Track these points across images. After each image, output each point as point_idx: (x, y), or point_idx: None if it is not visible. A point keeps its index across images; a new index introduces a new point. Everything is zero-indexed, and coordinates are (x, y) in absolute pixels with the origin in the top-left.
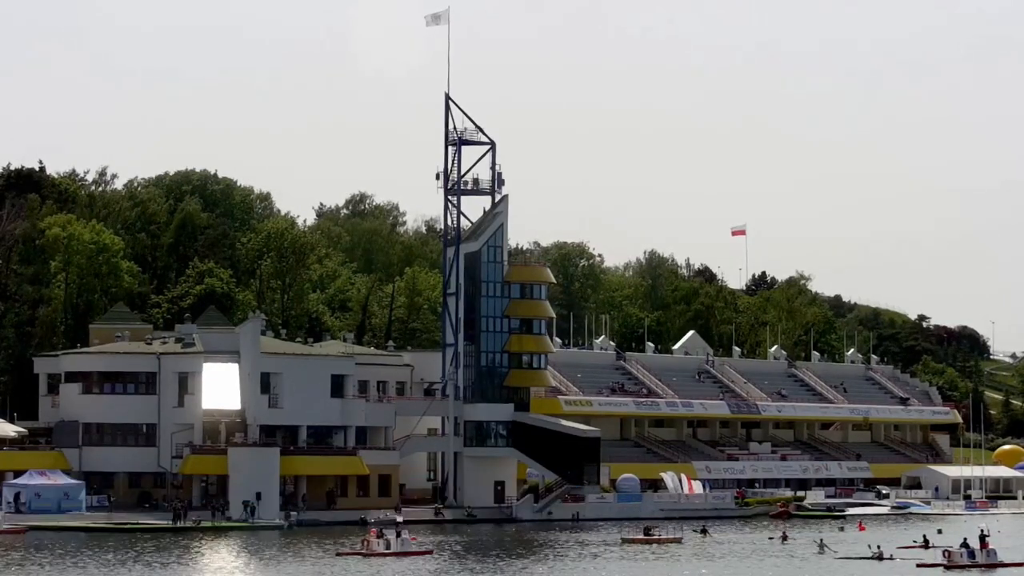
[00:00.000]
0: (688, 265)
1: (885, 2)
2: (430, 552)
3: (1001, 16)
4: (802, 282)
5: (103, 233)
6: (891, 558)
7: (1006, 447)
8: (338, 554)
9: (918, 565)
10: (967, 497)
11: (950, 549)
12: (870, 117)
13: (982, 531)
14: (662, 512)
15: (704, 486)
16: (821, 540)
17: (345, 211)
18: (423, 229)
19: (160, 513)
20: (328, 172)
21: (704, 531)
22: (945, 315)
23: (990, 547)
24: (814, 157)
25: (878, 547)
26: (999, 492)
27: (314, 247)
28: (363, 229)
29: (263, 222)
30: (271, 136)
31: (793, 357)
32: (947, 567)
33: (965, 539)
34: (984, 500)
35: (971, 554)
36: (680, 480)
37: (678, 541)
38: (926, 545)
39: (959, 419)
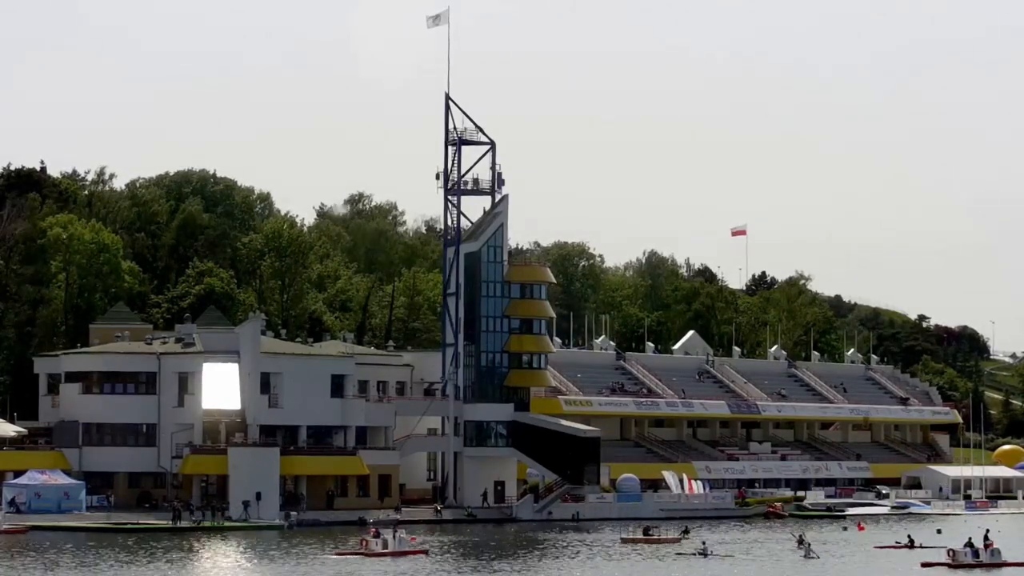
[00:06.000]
0: (688, 265)
1: (886, 12)
2: (426, 552)
3: (1000, 27)
4: (802, 282)
5: (103, 233)
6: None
7: (1006, 447)
8: (337, 553)
9: (922, 564)
10: (967, 497)
11: (954, 549)
12: (870, 118)
13: (987, 532)
14: (662, 512)
15: (704, 486)
16: (808, 544)
17: (345, 211)
18: (423, 229)
19: (160, 513)
20: (328, 172)
21: (686, 531)
22: (945, 315)
23: (994, 547)
24: (814, 158)
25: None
26: (999, 492)
27: (313, 247)
28: (367, 230)
29: (263, 222)
30: (271, 136)
31: (793, 357)
32: (951, 566)
33: (970, 539)
34: (984, 500)
35: (975, 554)
36: (680, 480)
37: (678, 541)
38: (911, 545)
39: (959, 419)
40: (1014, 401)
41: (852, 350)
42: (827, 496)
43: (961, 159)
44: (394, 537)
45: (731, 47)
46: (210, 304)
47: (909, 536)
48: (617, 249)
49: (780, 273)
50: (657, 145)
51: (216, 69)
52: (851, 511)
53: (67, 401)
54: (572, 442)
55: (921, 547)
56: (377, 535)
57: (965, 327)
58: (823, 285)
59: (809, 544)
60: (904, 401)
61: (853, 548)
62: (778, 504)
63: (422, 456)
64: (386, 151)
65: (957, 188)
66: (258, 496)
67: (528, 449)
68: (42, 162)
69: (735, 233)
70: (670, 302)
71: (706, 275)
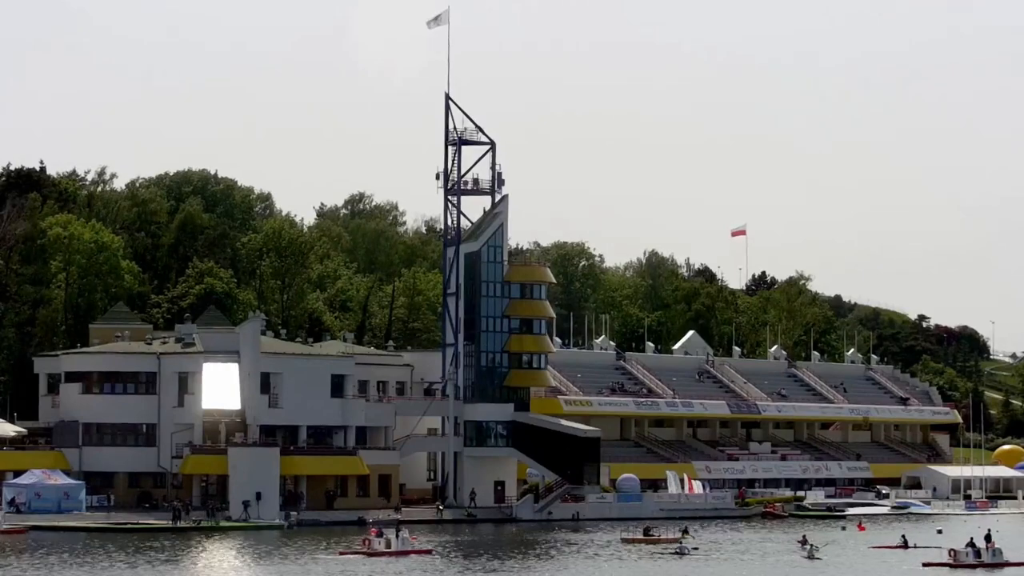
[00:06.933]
0: (688, 265)
1: (886, 12)
2: (430, 551)
3: (1000, 27)
4: (802, 282)
5: (103, 233)
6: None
7: (1006, 447)
8: (340, 553)
9: (924, 564)
10: (967, 497)
11: (955, 549)
12: (870, 119)
13: (988, 531)
14: (662, 512)
15: (704, 486)
16: (811, 544)
17: (345, 211)
18: (423, 229)
19: (160, 513)
20: (328, 172)
21: (685, 531)
22: (945, 315)
23: (996, 546)
24: (814, 158)
25: (680, 542)
26: (999, 492)
27: (313, 246)
28: (366, 230)
29: (263, 222)
30: (271, 136)
31: (793, 357)
32: (952, 566)
33: (971, 538)
34: (984, 500)
35: (976, 553)
36: (681, 480)
37: (678, 541)
38: (905, 546)
39: (959, 419)
40: (1014, 401)
41: (852, 350)
42: (827, 496)
43: (961, 159)
44: (397, 537)
45: (731, 46)
46: (210, 304)
47: (903, 536)
48: (617, 249)
49: (780, 273)
50: (657, 145)
51: (216, 69)
52: (851, 511)
53: (67, 401)
54: (572, 442)
55: (915, 547)
56: (380, 535)
57: (965, 327)
58: (823, 285)
59: (812, 545)
60: (904, 401)
61: (851, 548)
62: (776, 504)
63: (422, 456)
64: (386, 151)
65: (958, 188)
66: (258, 496)
67: (528, 449)
68: (42, 162)
69: (735, 233)
70: (670, 302)
71: (706, 275)
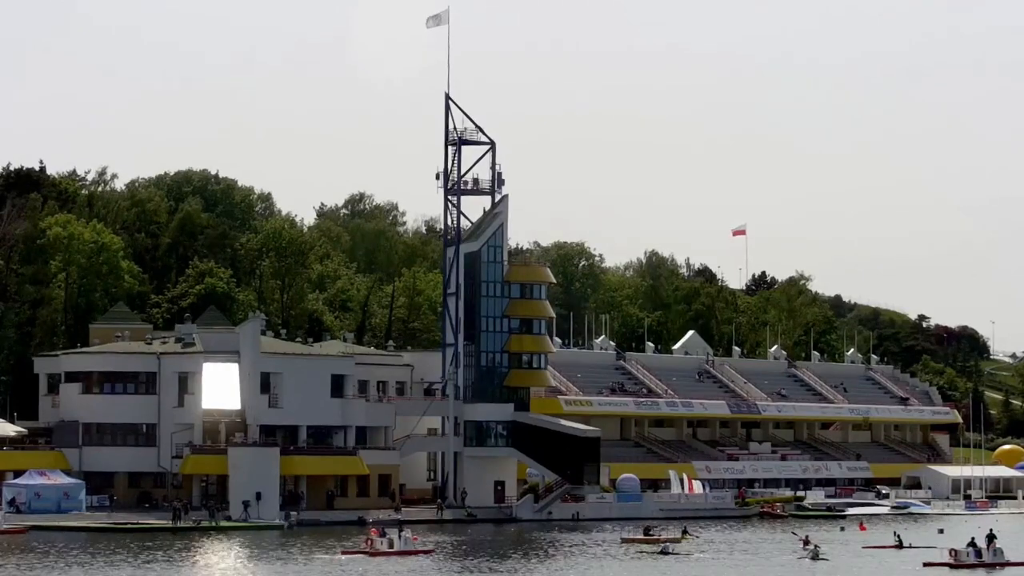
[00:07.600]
0: (688, 265)
1: (886, 12)
2: (432, 551)
3: (1000, 27)
4: (802, 282)
5: (103, 233)
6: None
7: (1006, 447)
8: (343, 553)
9: (925, 564)
10: (967, 497)
11: (956, 548)
12: (870, 119)
13: (990, 531)
14: (662, 512)
15: (704, 486)
16: (815, 545)
17: (345, 211)
18: (423, 229)
19: (160, 513)
20: (328, 172)
21: (685, 531)
22: (945, 315)
23: (997, 546)
24: (814, 158)
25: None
26: (999, 492)
27: (313, 247)
28: (366, 230)
29: (263, 221)
30: (271, 136)
31: (793, 357)
32: (953, 566)
33: (973, 538)
34: (984, 500)
35: (977, 553)
36: (681, 480)
37: (678, 541)
38: (900, 545)
39: (959, 419)
40: (1014, 401)
41: (852, 350)
42: (827, 496)
43: (961, 159)
44: (399, 537)
45: (731, 46)
46: (210, 304)
47: (897, 536)
48: (617, 249)
49: (780, 273)
50: (657, 145)
51: (216, 69)
52: (851, 511)
53: (67, 401)
54: (572, 442)
55: (910, 547)
56: (382, 534)
57: (965, 327)
58: (823, 285)
59: (816, 545)
60: (904, 401)
61: (851, 548)
62: (775, 504)
63: (422, 456)
64: (386, 151)
65: (957, 188)
66: (258, 496)
67: (528, 449)
68: (42, 162)
69: (735, 233)
70: (670, 302)
71: (706, 275)
